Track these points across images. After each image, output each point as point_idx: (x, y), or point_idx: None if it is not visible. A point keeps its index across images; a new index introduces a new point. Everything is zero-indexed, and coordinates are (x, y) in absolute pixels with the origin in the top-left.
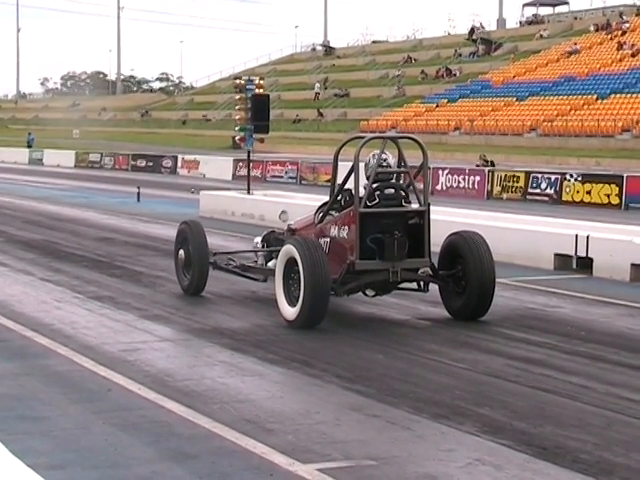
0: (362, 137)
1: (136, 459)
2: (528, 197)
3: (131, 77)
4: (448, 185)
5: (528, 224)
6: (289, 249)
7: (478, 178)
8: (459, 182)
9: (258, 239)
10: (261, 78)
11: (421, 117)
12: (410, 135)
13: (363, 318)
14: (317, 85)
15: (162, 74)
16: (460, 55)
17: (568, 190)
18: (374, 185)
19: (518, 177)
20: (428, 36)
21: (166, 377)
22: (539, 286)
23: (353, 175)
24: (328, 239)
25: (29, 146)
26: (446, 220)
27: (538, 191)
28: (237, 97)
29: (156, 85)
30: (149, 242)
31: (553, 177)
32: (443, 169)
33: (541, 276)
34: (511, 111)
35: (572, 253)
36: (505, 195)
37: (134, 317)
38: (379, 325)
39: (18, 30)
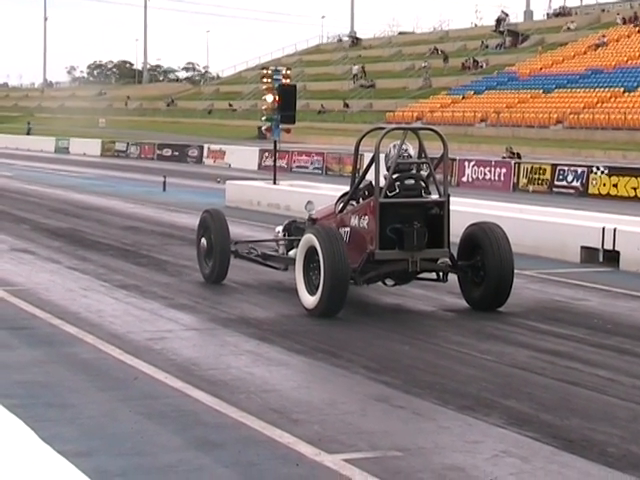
0: (383, 128)
1: (162, 447)
2: (554, 190)
3: (157, 66)
4: (474, 177)
5: (554, 216)
6: (309, 238)
7: (504, 170)
8: (485, 174)
9: (279, 228)
10: (287, 68)
11: (447, 109)
12: (431, 127)
13: (390, 309)
14: (355, 67)
15: (188, 64)
16: (487, 47)
17: (594, 183)
18: (394, 176)
19: (544, 169)
20: (455, 27)
21: (192, 366)
22: (565, 279)
23: (374, 165)
24: (348, 229)
25: (28, 134)
26: (472, 212)
27: (564, 184)
28: (264, 87)
29: (182, 75)
30: (175, 231)
31: (579, 170)
32: (469, 161)
33: (567, 269)
34: (537, 103)
35: (599, 246)
36: (531, 187)
37: (160, 306)
38: (406, 316)
39: (45, 19)
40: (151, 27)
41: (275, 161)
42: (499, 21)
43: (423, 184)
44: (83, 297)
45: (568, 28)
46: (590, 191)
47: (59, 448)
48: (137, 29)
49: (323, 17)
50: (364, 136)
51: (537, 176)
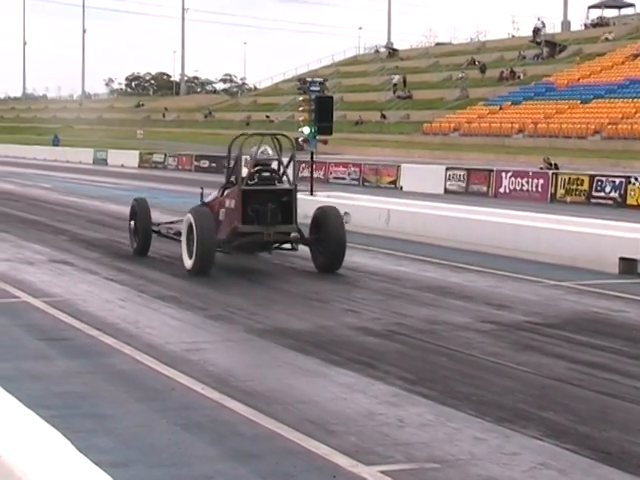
0: (246, 134)
1: (199, 458)
2: (592, 200)
3: (195, 78)
4: (511, 188)
5: (592, 227)
6: (188, 217)
7: (542, 181)
8: (522, 185)
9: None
10: (324, 80)
11: (484, 119)
12: (283, 132)
13: (426, 320)
14: (396, 77)
15: (225, 75)
16: (524, 57)
17: (633, 194)
18: (254, 169)
19: (582, 180)
20: (492, 38)
21: (229, 377)
22: (603, 290)
23: (239, 162)
24: (224, 209)
25: (55, 145)
26: (509, 223)
27: (602, 194)
28: (301, 98)
29: (219, 86)
30: None
31: (617, 180)
32: (506, 172)
33: (605, 280)
34: (575, 114)
35: (637, 257)
36: (569, 198)
37: (197, 317)
38: (442, 327)
39: (84, 31)
40: (189, 39)
41: (312, 172)
42: (536, 31)
43: (277, 176)
44: (121, 308)
45: (606, 38)
46: (628, 202)
47: (96, 459)
48: (175, 41)
49: (360, 28)
50: (234, 140)
51: (575, 187)
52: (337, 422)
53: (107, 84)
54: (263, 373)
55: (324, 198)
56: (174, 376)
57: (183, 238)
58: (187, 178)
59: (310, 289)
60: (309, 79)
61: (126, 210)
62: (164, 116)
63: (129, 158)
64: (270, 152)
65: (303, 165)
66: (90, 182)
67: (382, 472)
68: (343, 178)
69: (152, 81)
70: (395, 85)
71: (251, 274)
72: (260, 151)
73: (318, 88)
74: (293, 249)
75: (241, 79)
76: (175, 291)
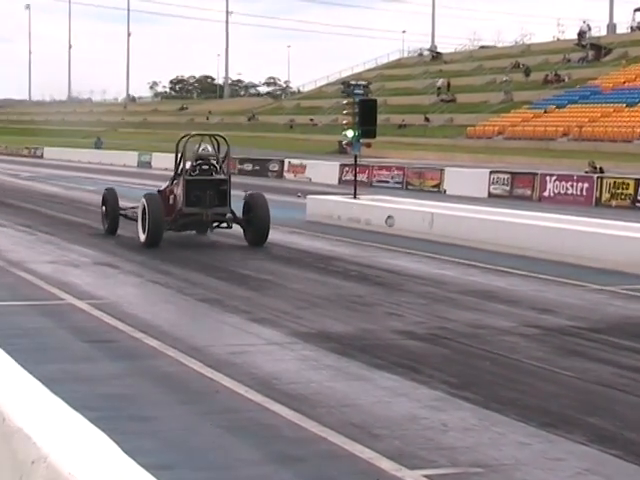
0: (189, 134)
1: (243, 461)
2: (637, 204)
3: (238, 81)
4: (556, 192)
5: (637, 232)
6: (142, 201)
7: (586, 185)
8: (567, 189)
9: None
10: (368, 83)
11: (528, 123)
12: (219, 133)
13: (470, 324)
14: (440, 81)
15: (269, 78)
16: (569, 60)
17: None
18: (196, 163)
19: (628, 184)
20: (536, 41)
21: (273, 380)
22: None
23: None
24: (174, 195)
25: (98, 147)
26: (552, 227)
27: None
28: (344, 102)
29: (263, 89)
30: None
31: None
32: (550, 176)
33: None
34: (621, 117)
35: None
36: (614, 202)
37: (241, 320)
38: (486, 332)
39: (129, 35)
40: (232, 42)
41: (355, 175)
42: (581, 34)
43: (214, 168)
44: (165, 311)
45: None
46: None
47: (141, 461)
48: (219, 44)
49: (404, 32)
50: (181, 139)
51: (620, 191)
52: (381, 426)
53: (151, 87)
54: (307, 376)
55: (368, 202)
56: (218, 379)
57: (139, 218)
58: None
59: (354, 293)
60: (353, 82)
61: None
62: (208, 119)
63: (173, 161)
64: (209, 149)
65: (346, 169)
66: (134, 185)
67: (426, 476)
68: (386, 181)
69: (196, 84)
70: (439, 88)
71: (293, 280)
72: (201, 148)
73: (362, 91)
74: (228, 227)
75: (285, 82)
76: (219, 294)
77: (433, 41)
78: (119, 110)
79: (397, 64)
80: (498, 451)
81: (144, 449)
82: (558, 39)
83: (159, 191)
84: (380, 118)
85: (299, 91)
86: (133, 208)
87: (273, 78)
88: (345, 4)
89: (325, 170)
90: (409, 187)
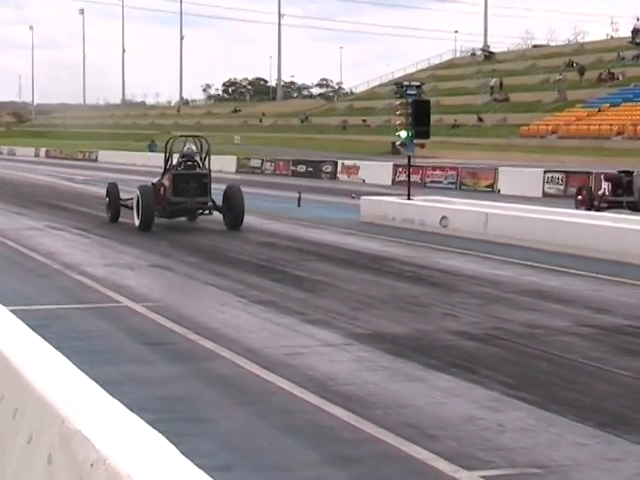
0: (175, 136)
1: (300, 462)
2: None
3: (291, 83)
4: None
5: None
6: (137, 191)
7: None
8: None
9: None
10: (421, 83)
11: (582, 122)
12: (199, 134)
13: (525, 324)
14: (493, 80)
15: (322, 80)
16: (623, 59)
17: None
18: (182, 159)
19: None
20: (590, 40)
21: (329, 381)
22: None
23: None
24: (163, 187)
25: (152, 151)
26: (611, 226)
27: None
28: (397, 102)
29: (316, 91)
30: (310, 247)
31: None
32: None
33: None
34: None
35: None
36: None
37: (296, 321)
38: (542, 332)
39: (181, 38)
40: (285, 44)
41: (409, 176)
42: (636, 32)
43: (197, 164)
44: (220, 313)
45: None
46: None
47: (198, 462)
48: (271, 46)
49: (456, 32)
50: (169, 140)
51: None
52: (437, 427)
53: (204, 90)
54: (362, 377)
55: (422, 202)
56: (274, 380)
57: (134, 206)
58: (284, 183)
59: (408, 293)
60: (406, 83)
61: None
62: (261, 121)
63: (227, 163)
64: (193, 148)
65: (400, 169)
66: None
67: (483, 477)
68: (440, 182)
69: (249, 86)
70: (492, 88)
71: (347, 281)
72: (186, 148)
73: (415, 92)
74: (210, 214)
75: (337, 84)
76: (274, 295)
77: (485, 41)
78: (172, 113)
79: (450, 64)
80: (556, 452)
81: (201, 451)
82: (612, 37)
83: (153, 184)
84: (433, 118)
85: (352, 92)
86: (131, 199)
87: (325, 80)
88: (397, 5)
89: (378, 171)
90: (463, 187)
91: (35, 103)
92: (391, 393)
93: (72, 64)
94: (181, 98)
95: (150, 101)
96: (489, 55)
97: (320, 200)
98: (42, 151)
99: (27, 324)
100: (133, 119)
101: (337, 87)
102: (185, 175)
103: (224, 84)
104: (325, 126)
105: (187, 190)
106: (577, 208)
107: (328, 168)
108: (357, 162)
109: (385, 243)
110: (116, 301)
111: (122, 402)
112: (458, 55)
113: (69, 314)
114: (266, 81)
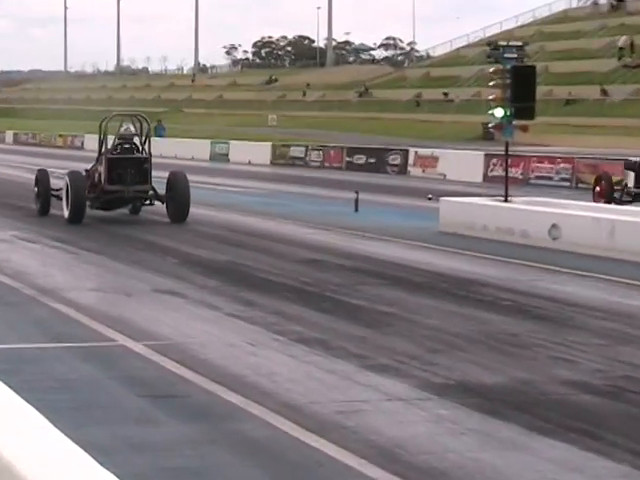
0: (111, 114)
1: None
2: None
3: (346, 43)
4: None
5: None
6: (65, 179)
7: None
8: None
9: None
10: (523, 44)
11: None
12: (139, 113)
13: None
14: (622, 39)
15: (387, 39)
16: None
17: None
18: (118, 142)
19: None
20: None
21: (397, 449)
22: None
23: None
24: (98, 173)
25: (159, 135)
26: None
27: None
28: (491, 70)
29: (379, 54)
30: (371, 266)
31: None
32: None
33: None
34: None
35: None
36: None
37: (353, 367)
38: None
39: None
40: None
41: (507, 170)
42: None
43: (135, 147)
44: (250, 355)
45: None
46: None
47: None
48: None
49: None
50: (104, 120)
51: None
52: None
53: (228, 53)
54: (442, 443)
55: (524, 206)
56: (322, 447)
57: (63, 195)
58: (335, 179)
59: (506, 330)
60: (502, 43)
61: (256, 223)
62: (304, 95)
63: (258, 152)
64: (132, 129)
65: (494, 161)
66: (206, 185)
67: None
68: (549, 178)
69: (288, 48)
70: (621, 50)
71: (423, 312)
72: (123, 128)
73: (515, 55)
74: (151, 204)
75: (408, 44)
76: (322, 332)
77: None
78: (185, 84)
79: (562, 17)
80: None
81: None
82: None
83: (86, 170)
84: (540, 91)
85: (428, 56)
86: (58, 190)
87: (393, 39)
88: None
89: (464, 163)
90: (580, 185)
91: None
92: (482, 466)
93: (50, 18)
94: (197, 63)
95: (155, 68)
96: (617, 5)
97: (385, 202)
98: (8, 135)
99: None
100: (132, 92)
101: (408, 49)
102: (122, 160)
103: (255, 45)
104: (392, 102)
105: (124, 177)
106: (595, 201)
107: (396, 159)
108: (435, 151)
109: (473, 261)
110: (108, 338)
111: (119, 475)
112: (574, 5)
113: (46, 356)
114: (312, 41)
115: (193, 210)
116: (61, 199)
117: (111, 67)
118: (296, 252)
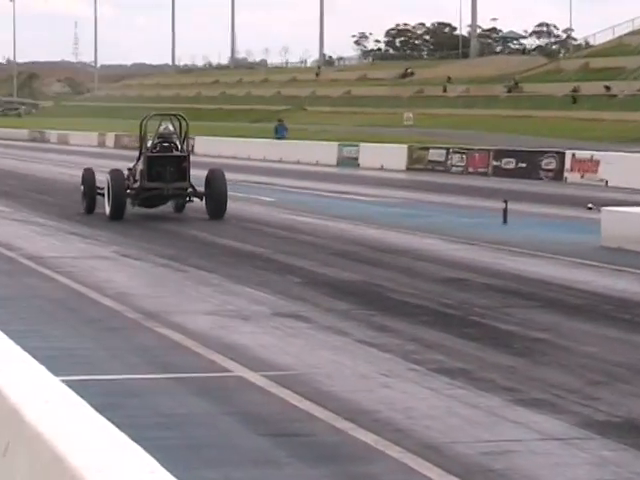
0: (148, 115)
1: None
2: None
3: (492, 31)
4: None
5: None
6: (107, 177)
7: None
8: None
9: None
10: None
11: None
12: (180, 113)
13: None
14: None
15: (540, 25)
16: None
17: None
18: (157, 141)
19: None
20: None
21: None
22: None
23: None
24: (138, 171)
25: (280, 137)
26: None
27: None
28: None
29: (531, 43)
30: (521, 286)
31: None
32: None
33: None
34: None
35: None
36: None
37: (502, 402)
38: None
39: None
40: None
41: None
42: None
43: (174, 145)
44: (384, 387)
45: None
46: None
47: None
48: None
49: None
50: (143, 120)
51: None
52: None
53: (357, 43)
54: None
55: None
56: None
57: (105, 193)
58: (481, 186)
59: None
60: None
61: (390, 237)
62: (445, 90)
63: (392, 156)
64: (171, 128)
65: None
66: (333, 194)
67: None
68: None
69: (426, 37)
70: None
71: (582, 339)
72: (162, 127)
73: None
74: (190, 201)
75: (565, 31)
76: (466, 361)
77: None
78: (309, 79)
79: None
80: None
81: None
82: None
83: (129, 169)
84: None
85: (587, 44)
86: (102, 188)
87: (546, 25)
88: None
89: (630, 167)
90: None
91: (99, 64)
92: None
93: (156, 4)
94: (322, 55)
95: (274, 60)
96: None
97: (537, 213)
98: (109, 138)
99: (89, 402)
100: (248, 88)
101: (564, 36)
102: (161, 158)
103: (388, 33)
104: (545, 97)
105: (163, 174)
106: None
107: (550, 163)
108: (595, 154)
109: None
110: (223, 369)
111: None
112: None
113: (151, 389)
114: (454, 28)
115: (316, 222)
116: (103, 196)
117: (224, 60)
118: (436, 270)
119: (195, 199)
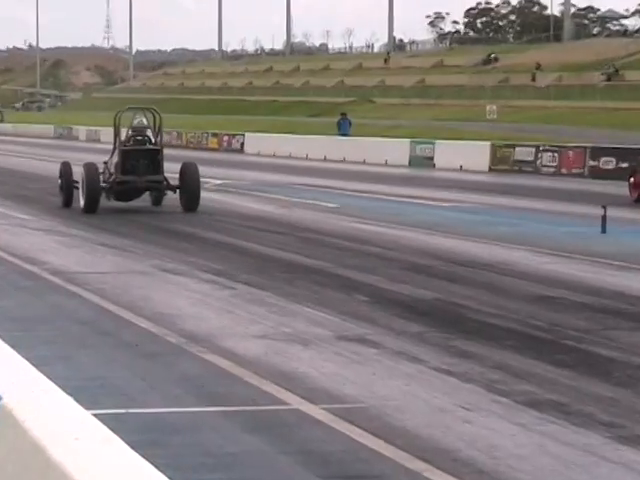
0: (125, 108)
1: None
2: None
3: (589, 10)
4: None
5: None
6: (81, 171)
7: None
8: None
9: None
10: None
11: None
12: (152, 107)
13: None
14: None
15: None
16: None
17: None
18: (131, 134)
19: None
20: None
21: None
22: None
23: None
24: (113, 164)
25: (344, 133)
26: None
27: None
28: None
29: (634, 23)
30: (624, 305)
31: None
32: None
33: None
34: None
35: None
36: None
37: (601, 439)
38: None
39: None
40: None
41: None
42: None
43: (148, 139)
44: (463, 422)
45: None
46: None
47: None
48: None
49: None
50: (117, 115)
51: None
52: None
53: (432, 24)
54: None
55: None
56: None
57: (80, 186)
58: (575, 189)
59: None
60: None
61: (470, 248)
62: (534, 79)
63: (473, 155)
64: (144, 122)
65: None
66: (404, 198)
67: None
68: None
69: (512, 17)
70: None
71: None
72: (136, 121)
73: None
74: (164, 194)
75: None
76: (559, 392)
77: None
78: (376, 66)
79: None
80: None
81: None
82: None
83: (104, 162)
84: None
85: None
86: (78, 182)
87: None
88: None
89: None
90: None
91: (134, 50)
92: None
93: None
94: (391, 39)
95: (337, 45)
96: None
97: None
98: None
99: (125, 440)
100: (306, 76)
101: None
102: (135, 151)
103: (468, 13)
104: None
105: (137, 168)
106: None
107: None
108: None
109: None
110: (280, 401)
111: None
112: None
113: (197, 423)
114: (544, 7)
115: (384, 231)
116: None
117: (279, 45)
118: (525, 287)
119: (166, 192)
